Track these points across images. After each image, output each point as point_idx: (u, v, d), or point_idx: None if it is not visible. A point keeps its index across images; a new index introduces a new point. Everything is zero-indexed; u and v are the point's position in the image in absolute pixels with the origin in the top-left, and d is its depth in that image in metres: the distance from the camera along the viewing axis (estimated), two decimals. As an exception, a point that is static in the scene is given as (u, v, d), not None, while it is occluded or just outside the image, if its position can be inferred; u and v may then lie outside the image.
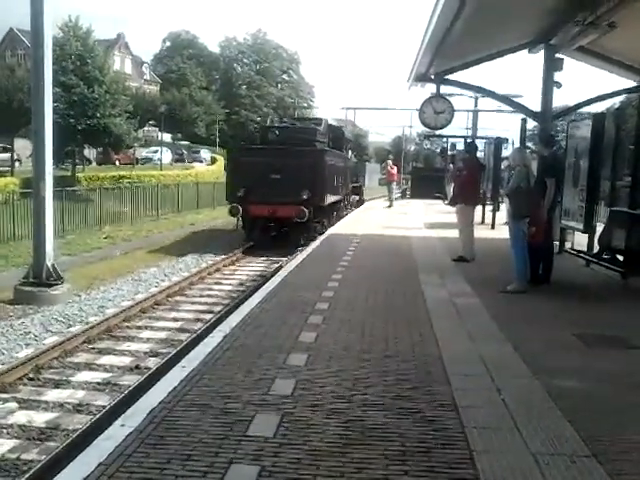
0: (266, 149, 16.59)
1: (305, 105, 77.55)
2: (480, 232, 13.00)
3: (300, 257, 11.25)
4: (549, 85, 10.80)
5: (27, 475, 4.23)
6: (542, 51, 10.93)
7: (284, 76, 79.01)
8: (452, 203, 11.42)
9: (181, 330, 8.45)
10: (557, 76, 10.78)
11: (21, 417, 5.45)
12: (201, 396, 4.14)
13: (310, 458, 3.30)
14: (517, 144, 14.89)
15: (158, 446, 3.40)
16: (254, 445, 3.42)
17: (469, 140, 19.92)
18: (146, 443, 3.43)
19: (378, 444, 3.48)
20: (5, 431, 5.16)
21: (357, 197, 26.54)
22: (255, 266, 13.97)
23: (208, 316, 9.09)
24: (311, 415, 3.85)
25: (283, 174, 15.22)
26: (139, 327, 8.48)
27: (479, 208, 15.44)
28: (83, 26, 30.42)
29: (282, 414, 3.85)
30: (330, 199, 17.02)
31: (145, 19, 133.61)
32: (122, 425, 3.67)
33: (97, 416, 5.27)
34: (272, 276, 9.96)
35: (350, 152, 24.07)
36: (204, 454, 3.31)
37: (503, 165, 18.29)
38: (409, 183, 39.86)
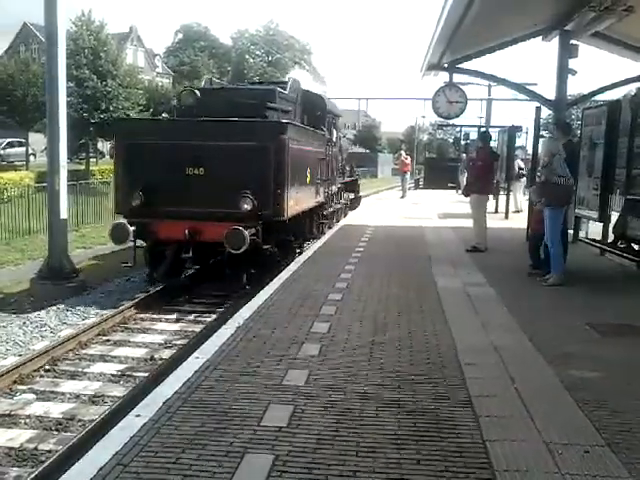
0: (177, 125, 10.01)
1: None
2: (494, 222, 12.93)
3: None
4: (564, 72, 10.69)
5: (44, 465, 4.28)
6: (556, 38, 10.81)
7: (296, 67, 78.78)
8: (466, 193, 11.36)
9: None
10: (572, 63, 10.67)
11: (38, 408, 5.52)
12: (215, 386, 4.17)
13: (323, 448, 3.32)
14: (531, 133, 14.77)
15: (173, 436, 3.43)
16: (268, 434, 3.45)
17: (483, 129, 19.77)
18: (161, 433, 3.47)
19: (391, 433, 3.49)
20: (23, 422, 5.24)
21: (352, 195, 18.66)
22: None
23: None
24: (325, 406, 3.86)
25: (209, 168, 8.87)
26: (153, 319, 8.53)
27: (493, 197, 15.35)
28: (96, 20, 30.56)
29: (295, 405, 3.87)
30: (297, 208, 10.04)
31: (157, 11, 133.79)
32: (137, 415, 3.71)
33: (112, 407, 5.32)
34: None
35: (337, 132, 15.29)
36: (219, 443, 3.34)
37: (521, 156, 18.18)
38: (422, 173, 39.66)
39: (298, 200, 10.00)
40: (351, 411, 3.79)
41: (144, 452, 3.24)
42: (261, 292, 7.12)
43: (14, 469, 4.49)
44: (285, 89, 11.31)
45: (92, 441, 3.54)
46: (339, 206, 16.08)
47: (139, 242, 9.33)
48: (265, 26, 76.93)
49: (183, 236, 8.69)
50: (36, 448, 4.77)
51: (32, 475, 4.11)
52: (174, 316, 8.65)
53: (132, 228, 8.77)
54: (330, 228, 13.95)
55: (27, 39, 55.18)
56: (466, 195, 11.30)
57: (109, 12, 75.66)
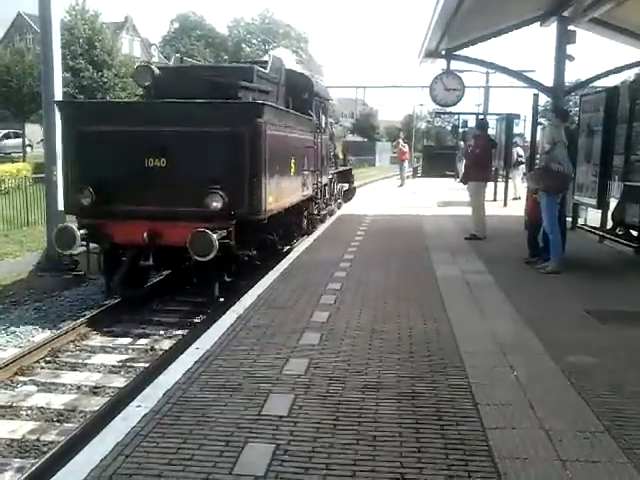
0: (133, 108, 9.11)
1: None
2: (493, 209, 12.93)
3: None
4: (561, 59, 10.65)
5: (46, 456, 4.30)
6: (554, 24, 10.76)
7: (293, 55, 78.42)
8: (464, 181, 11.35)
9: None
10: (570, 49, 10.63)
11: (40, 399, 5.54)
12: (216, 376, 4.18)
13: (324, 437, 3.33)
14: (529, 120, 14.73)
15: (174, 426, 3.44)
16: (269, 424, 3.46)
17: (480, 117, 19.72)
18: (162, 423, 3.48)
19: (391, 421, 3.51)
20: (25, 413, 5.25)
21: (346, 186, 17.40)
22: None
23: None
24: (325, 395, 3.88)
25: (172, 159, 7.53)
26: (154, 311, 8.51)
27: (491, 185, 15.34)
28: (90, 9, 30.38)
29: (296, 393, 3.88)
30: (280, 204, 8.75)
31: (153, 0, 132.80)
32: (138, 406, 3.72)
33: (113, 398, 5.33)
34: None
35: (327, 117, 13.97)
36: (220, 433, 3.36)
37: (520, 143, 18.13)
38: (420, 161, 39.60)
39: (280, 194, 8.62)
40: (351, 400, 3.80)
41: (145, 442, 3.26)
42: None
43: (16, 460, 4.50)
44: (266, 68, 9.70)
45: (93, 432, 3.55)
46: (331, 198, 14.85)
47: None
48: (261, 15, 76.53)
49: (142, 240, 7.37)
50: (38, 439, 4.78)
51: (34, 467, 4.12)
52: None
53: (82, 231, 7.50)
54: (323, 222, 12.86)
55: (22, 29, 54.83)
56: (464, 183, 11.29)
57: (103, 1, 75.18)
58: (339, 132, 18.46)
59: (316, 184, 11.70)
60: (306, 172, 10.62)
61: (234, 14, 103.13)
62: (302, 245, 9.92)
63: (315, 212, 12.38)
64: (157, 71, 8.38)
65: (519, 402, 3.79)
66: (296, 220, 11.05)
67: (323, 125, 12.75)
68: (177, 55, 14.67)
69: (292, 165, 9.45)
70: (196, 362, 4.45)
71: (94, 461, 3.06)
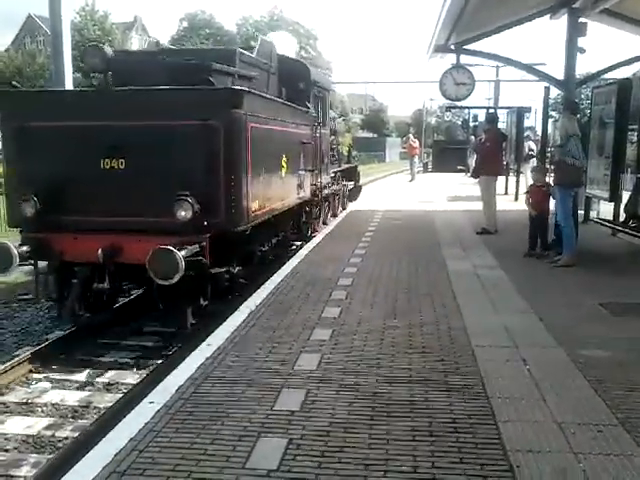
0: (85, 98, 7.20)
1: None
2: (504, 203, 12.87)
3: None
4: (572, 51, 10.53)
5: (60, 451, 4.34)
6: (565, 16, 10.66)
7: (302, 52, 78.39)
8: (475, 175, 11.30)
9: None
10: (581, 41, 10.52)
11: (54, 396, 5.58)
12: (228, 372, 4.20)
13: (336, 431, 3.34)
14: (540, 113, 14.64)
15: (187, 422, 3.47)
16: (281, 418, 3.47)
17: (490, 111, 19.61)
18: (175, 419, 3.51)
19: (404, 415, 3.51)
20: (40, 409, 5.30)
21: (351, 184, 15.88)
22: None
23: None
24: (337, 389, 3.88)
25: (133, 160, 6.31)
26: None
27: (502, 179, 15.27)
28: (100, 10, 30.55)
29: (307, 389, 3.89)
30: (267, 210, 7.41)
31: (161, 0, 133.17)
32: (151, 402, 3.75)
33: (127, 394, 5.37)
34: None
35: (328, 109, 12.52)
36: (232, 428, 3.37)
37: (532, 137, 18.01)
38: (430, 156, 39.47)
39: (269, 199, 7.35)
40: (363, 395, 3.81)
41: (159, 437, 3.28)
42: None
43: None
44: (253, 52, 8.43)
45: (107, 427, 3.58)
46: (334, 199, 13.64)
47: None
48: (269, 12, 76.48)
49: (96, 257, 6.05)
50: (53, 435, 4.83)
51: (49, 462, 4.16)
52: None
53: (24, 248, 6.23)
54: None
55: (32, 31, 55.24)
56: (475, 177, 11.25)
57: (113, 2, 75.54)
58: (342, 127, 16.66)
59: (315, 185, 10.55)
60: (302, 171, 9.44)
61: (243, 12, 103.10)
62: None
63: (315, 215, 11.33)
64: (110, 53, 6.89)
65: (531, 395, 3.78)
66: (292, 225, 10.05)
67: (323, 118, 11.51)
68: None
69: (284, 164, 8.17)
70: (208, 358, 4.48)
71: (108, 455, 3.09)
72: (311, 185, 10.26)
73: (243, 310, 5.82)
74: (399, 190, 20.85)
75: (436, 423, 3.42)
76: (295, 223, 10.30)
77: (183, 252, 5.70)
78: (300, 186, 9.32)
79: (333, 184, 13.27)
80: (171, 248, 5.63)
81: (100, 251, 6.09)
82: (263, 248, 8.06)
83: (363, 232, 10.52)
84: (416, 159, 27.74)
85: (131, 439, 3.26)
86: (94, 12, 30.11)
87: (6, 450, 4.48)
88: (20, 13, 57.11)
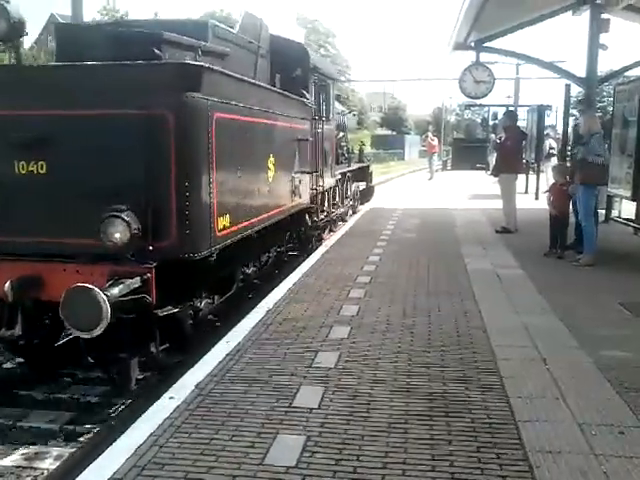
0: None
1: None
2: (524, 202, 12.76)
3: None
4: (594, 48, 10.43)
5: (81, 444, 4.38)
6: (587, 12, 10.54)
7: (321, 50, 78.37)
8: (495, 173, 11.22)
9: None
10: (603, 38, 10.40)
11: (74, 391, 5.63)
12: (247, 369, 4.23)
13: (355, 429, 3.34)
14: (561, 111, 14.49)
15: (206, 417, 3.50)
16: (300, 415, 3.49)
17: (509, 109, 19.45)
18: (194, 415, 3.54)
19: (422, 413, 3.50)
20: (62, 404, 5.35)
21: (362, 186, 14.74)
22: None
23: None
24: (355, 387, 3.89)
25: (55, 162, 4.66)
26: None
27: (522, 178, 15.15)
28: (121, 9, 30.83)
29: (326, 386, 3.90)
30: (246, 224, 5.84)
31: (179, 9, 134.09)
32: (171, 398, 3.78)
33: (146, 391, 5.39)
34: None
35: (332, 102, 10.83)
36: (251, 424, 3.39)
37: (552, 135, 17.81)
38: (450, 154, 39.23)
39: (246, 212, 5.78)
40: (381, 392, 3.80)
41: (178, 433, 3.31)
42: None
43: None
44: (235, 28, 6.83)
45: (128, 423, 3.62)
46: (342, 203, 12.25)
47: None
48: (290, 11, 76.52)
49: (3, 292, 4.49)
50: (74, 430, 4.88)
51: (71, 455, 4.21)
52: None
53: None
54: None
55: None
56: (495, 175, 11.17)
57: (133, 1, 76.05)
58: (351, 122, 15.27)
59: (315, 189, 9.05)
60: (298, 174, 7.88)
61: (261, 10, 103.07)
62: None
63: (315, 224, 9.67)
64: (13, 13, 4.74)
65: (552, 396, 3.75)
66: (290, 237, 8.64)
67: (326, 111, 9.88)
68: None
69: (271, 166, 6.60)
70: (227, 355, 4.51)
71: (130, 449, 3.13)
72: (310, 189, 8.76)
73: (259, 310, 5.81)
74: (418, 188, 20.76)
75: (454, 422, 3.41)
76: (294, 234, 8.87)
77: (116, 289, 4.18)
78: (295, 192, 7.71)
79: (342, 186, 12.11)
80: (91, 287, 4.05)
81: (8, 284, 4.47)
82: (247, 270, 6.58)
83: (381, 230, 10.48)
84: (435, 157, 27.61)
85: (151, 434, 3.30)
86: (115, 11, 30.38)
87: None
88: (43, 12, 57.71)
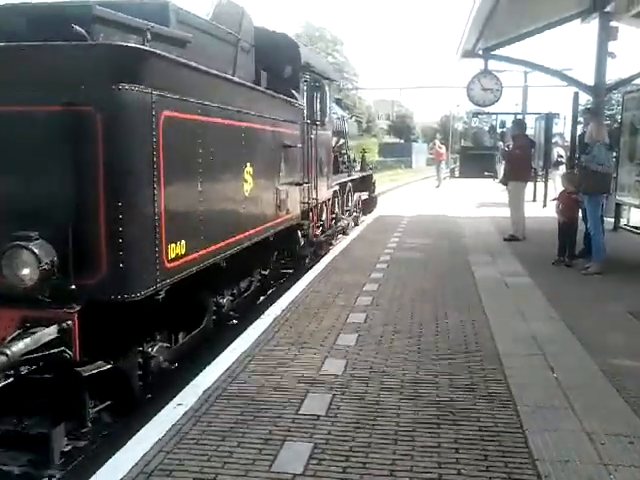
0: None
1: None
2: (532, 210, 12.73)
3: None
4: (603, 56, 10.42)
5: (89, 450, 4.38)
6: (596, 20, 10.54)
7: (329, 58, 78.64)
8: (504, 181, 11.20)
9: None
10: (611, 46, 10.40)
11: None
12: (253, 376, 4.23)
13: (362, 437, 3.34)
14: (569, 119, 14.47)
15: (213, 424, 3.50)
16: (307, 423, 3.48)
17: (518, 117, 19.42)
18: (202, 421, 3.54)
19: (429, 422, 3.49)
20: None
21: (365, 195, 13.94)
22: None
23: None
24: (363, 395, 3.88)
25: None
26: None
27: (531, 186, 15.11)
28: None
29: (333, 393, 3.89)
30: (213, 249, 4.79)
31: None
32: (179, 404, 3.79)
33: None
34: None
35: (329, 104, 9.51)
36: (258, 431, 3.39)
37: (561, 143, 17.77)
38: (457, 162, 39.21)
39: (210, 235, 4.71)
40: (388, 400, 3.79)
41: (186, 440, 3.31)
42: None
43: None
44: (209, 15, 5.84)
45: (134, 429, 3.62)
46: (341, 215, 11.29)
47: None
48: (297, 22, 76.94)
49: None
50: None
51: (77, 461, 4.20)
52: None
53: None
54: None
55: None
56: (504, 184, 11.16)
57: None
58: (353, 129, 13.69)
59: (307, 202, 8.11)
60: (285, 186, 6.93)
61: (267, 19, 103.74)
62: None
63: (307, 242, 8.69)
64: None
65: (560, 404, 3.73)
66: (273, 259, 7.54)
67: (321, 115, 8.76)
68: None
69: (248, 177, 5.65)
70: (234, 362, 4.51)
71: (136, 456, 3.13)
72: (301, 203, 7.86)
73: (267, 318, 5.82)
74: (425, 197, 20.74)
75: (462, 430, 3.39)
76: (285, 253, 8.10)
77: (21, 344, 3.32)
78: (281, 206, 6.79)
79: (342, 196, 11.36)
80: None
81: None
82: (221, 300, 5.69)
83: (388, 238, 10.47)
84: (443, 165, 27.61)
85: (158, 440, 3.30)
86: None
87: None
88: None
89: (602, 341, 4.95)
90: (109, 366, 3.90)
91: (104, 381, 3.89)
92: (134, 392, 4.18)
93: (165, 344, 4.54)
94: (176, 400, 3.86)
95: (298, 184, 7.58)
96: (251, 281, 6.66)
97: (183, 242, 4.20)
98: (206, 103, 4.62)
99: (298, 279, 7.51)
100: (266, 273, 7.17)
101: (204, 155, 4.59)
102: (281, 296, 6.60)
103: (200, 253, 4.53)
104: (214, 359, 4.58)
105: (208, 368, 4.44)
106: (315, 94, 8.54)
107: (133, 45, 3.87)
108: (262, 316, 5.75)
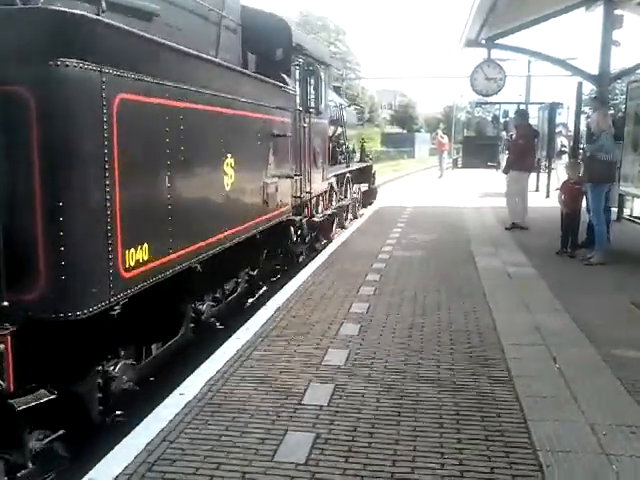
0: None
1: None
2: (535, 200, 12.70)
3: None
4: (607, 44, 10.36)
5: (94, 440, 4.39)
6: (600, 8, 10.46)
7: (331, 47, 78.25)
8: (506, 170, 11.17)
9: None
10: (616, 34, 10.33)
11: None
12: (256, 366, 4.23)
13: (364, 427, 3.34)
14: (572, 109, 14.40)
15: (216, 414, 3.51)
16: (309, 413, 3.49)
17: (521, 107, 19.33)
18: (205, 411, 3.55)
19: (432, 412, 3.50)
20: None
21: (365, 187, 13.87)
22: None
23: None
24: (364, 387, 3.89)
25: None
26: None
27: (534, 176, 15.08)
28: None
29: (335, 385, 3.90)
30: (177, 255, 4.09)
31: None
32: (181, 394, 3.80)
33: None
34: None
35: (324, 91, 9.08)
36: (261, 422, 3.40)
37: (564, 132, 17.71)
38: (460, 152, 39.09)
39: (182, 236, 4.15)
40: (391, 391, 3.80)
41: (189, 429, 3.33)
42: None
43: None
44: None
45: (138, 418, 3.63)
46: (338, 208, 10.72)
47: None
48: (300, 10, 76.53)
49: None
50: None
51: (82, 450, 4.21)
52: None
53: None
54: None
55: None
56: (506, 173, 11.13)
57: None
58: (352, 118, 13.13)
59: (300, 196, 7.65)
60: (274, 179, 6.41)
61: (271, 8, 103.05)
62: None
63: (300, 239, 8.21)
64: None
65: (562, 395, 3.73)
66: (263, 258, 6.99)
67: (316, 102, 8.06)
68: None
69: (229, 170, 5.07)
70: (237, 351, 4.52)
71: (140, 445, 3.14)
72: (293, 197, 7.37)
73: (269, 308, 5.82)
74: (428, 187, 20.69)
75: (464, 421, 3.40)
76: (278, 250, 7.58)
77: None
78: (268, 202, 6.24)
79: (340, 188, 10.99)
80: None
81: None
82: (200, 307, 5.14)
83: (391, 228, 10.45)
84: (445, 155, 27.53)
85: (161, 430, 3.31)
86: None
87: None
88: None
89: (605, 332, 4.94)
90: (52, 396, 3.24)
91: (57, 407, 3.29)
92: (92, 418, 3.61)
93: (130, 361, 3.95)
94: (179, 390, 3.87)
95: (289, 177, 7.05)
96: (237, 282, 6.19)
97: (146, 246, 3.64)
98: (177, 86, 4.03)
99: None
100: (254, 273, 6.64)
101: (173, 145, 4.01)
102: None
103: (170, 257, 3.97)
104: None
105: (212, 357, 4.46)
106: (308, 79, 7.96)
107: (77, 12, 3.08)
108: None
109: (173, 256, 4.01)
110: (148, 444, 3.16)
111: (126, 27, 3.48)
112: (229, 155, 5.04)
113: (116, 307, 3.41)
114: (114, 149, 3.28)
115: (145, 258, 3.63)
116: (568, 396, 3.71)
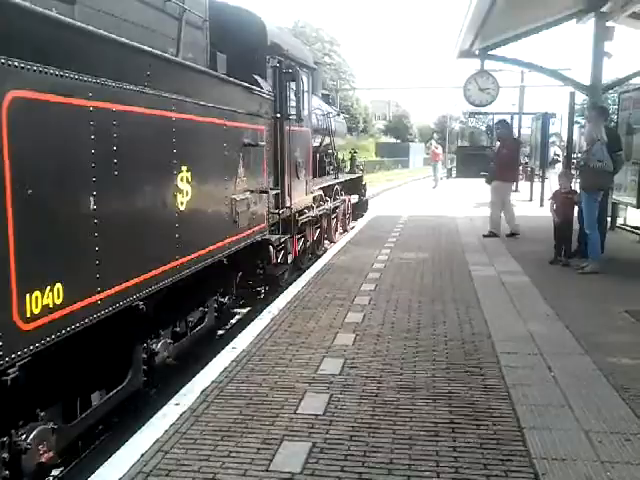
0: None
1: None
2: (528, 209, 12.75)
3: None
4: (599, 56, 10.43)
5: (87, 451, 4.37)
6: (591, 20, 10.56)
7: (325, 59, 78.66)
8: (489, 180, 11.25)
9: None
10: (607, 46, 10.42)
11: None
12: (251, 376, 4.23)
13: (357, 439, 3.34)
14: (565, 119, 14.50)
15: (211, 424, 3.50)
16: (305, 422, 3.48)
17: (504, 119, 19.42)
18: (200, 421, 3.54)
19: (427, 421, 3.50)
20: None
21: (355, 199, 13.62)
22: None
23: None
24: (358, 399, 3.89)
25: None
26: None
27: (527, 185, 15.16)
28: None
29: (331, 393, 3.90)
30: (108, 293, 3.36)
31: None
32: (176, 404, 3.79)
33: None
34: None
35: (307, 97, 8.40)
36: (256, 431, 3.39)
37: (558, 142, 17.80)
38: (454, 162, 39.29)
39: (115, 269, 3.48)
40: (386, 400, 3.80)
41: (184, 439, 3.32)
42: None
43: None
44: None
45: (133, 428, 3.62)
46: (325, 226, 10.32)
47: None
48: (295, 21, 76.96)
49: None
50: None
51: (73, 463, 4.19)
52: None
53: None
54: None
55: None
56: (489, 183, 11.20)
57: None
58: (341, 127, 12.42)
59: (277, 213, 7.02)
60: (245, 194, 5.79)
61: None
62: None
63: (284, 257, 7.46)
64: None
65: (557, 403, 3.74)
66: (236, 282, 6.51)
67: (297, 108, 7.36)
68: None
69: (183, 185, 4.39)
70: (233, 361, 4.51)
71: (135, 456, 3.13)
72: (270, 213, 6.77)
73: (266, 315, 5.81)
74: (422, 197, 20.75)
75: (460, 429, 3.40)
76: (252, 273, 6.90)
77: None
78: (238, 220, 5.63)
79: (329, 202, 10.44)
80: None
81: None
82: (154, 346, 4.51)
83: (385, 238, 10.46)
84: (439, 165, 27.64)
85: (157, 440, 3.30)
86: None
87: None
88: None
89: (599, 340, 4.96)
90: None
91: None
92: None
93: (50, 425, 3.23)
94: (174, 400, 3.86)
95: (264, 191, 6.36)
96: (204, 311, 5.55)
97: (58, 286, 2.91)
98: (106, 83, 3.33)
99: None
100: (225, 301, 6.02)
101: (103, 158, 3.30)
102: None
103: (96, 298, 3.25)
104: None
105: (207, 366, 4.45)
106: (287, 83, 7.18)
107: None
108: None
109: (102, 295, 3.31)
110: (143, 454, 3.15)
111: (25, 4, 2.74)
112: (184, 168, 4.37)
113: (10, 370, 2.65)
114: (4, 163, 2.57)
115: (58, 302, 2.91)
116: (563, 404, 3.72)
